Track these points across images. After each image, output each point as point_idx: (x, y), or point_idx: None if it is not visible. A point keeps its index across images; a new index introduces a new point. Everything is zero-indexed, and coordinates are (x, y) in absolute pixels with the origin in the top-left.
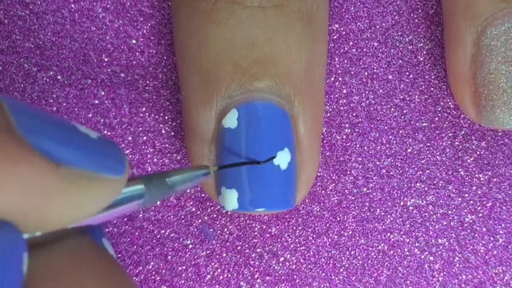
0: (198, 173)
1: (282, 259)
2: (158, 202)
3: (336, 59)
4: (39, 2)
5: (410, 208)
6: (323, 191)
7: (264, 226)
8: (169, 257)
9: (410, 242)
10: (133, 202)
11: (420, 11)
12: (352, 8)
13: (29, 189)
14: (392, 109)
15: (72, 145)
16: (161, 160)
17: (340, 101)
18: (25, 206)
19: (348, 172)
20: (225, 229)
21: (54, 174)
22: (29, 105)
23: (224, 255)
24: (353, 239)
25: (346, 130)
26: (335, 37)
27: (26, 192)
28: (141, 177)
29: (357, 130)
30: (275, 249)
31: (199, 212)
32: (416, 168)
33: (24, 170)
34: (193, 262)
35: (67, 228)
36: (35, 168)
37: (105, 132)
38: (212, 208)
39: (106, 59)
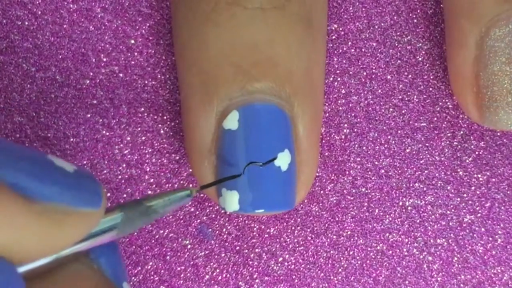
0: (179, 196)
1: (280, 259)
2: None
3: (335, 59)
4: (37, 2)
5: (409, 208)
6: (322, 191)
7: (263, 226)
8: (168, 257)
9: (409, 242)
10: (112, 231)
11: (418, 11)
12: (351, 8)
13: (1, 226)
14: (391, 109)
15: (47, 181)
16: (159, 160)
17: (339, 101)
18: None
19: (347, 172)
20: (224, 229)
21: (27, 211)
22: (2, 140)
23: (223, 255)
24: (352, 239)
25: (345, 130)
26: (334, 37)
27: None
28: (119, 205)
29: (355, 130)
30: (273, 249)
31: (197, 212)
32: (414, 168)
33: None
34: (192, 262)
35: (67, 254)
36: (4, 205)
37: (104, 132)
38: (211, 208)
39: (104, 59)
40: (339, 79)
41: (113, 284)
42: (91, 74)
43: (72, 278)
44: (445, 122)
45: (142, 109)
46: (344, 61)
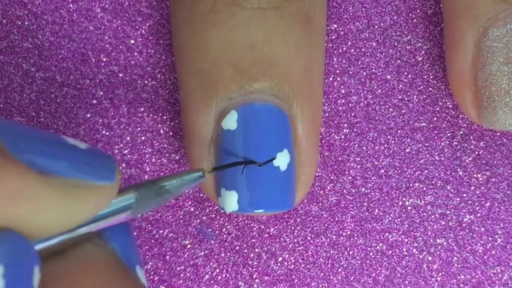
0: (192, 177)
1: (280, 259)
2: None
3: (335, 59)
4: (37, 2)
5: (409, 208)
6: (321, 191)
7: (263, 226)
8: (168, 257)
9: (409, 242)
10: (127, 209)
11: (418, 11)
12: (350, 8)
13: (16, 199)
14: (391, 109)
15: (60, 157)
16: (159, 160)
17: (339, 101)
18: (12, 215)
19: (347, 172)
20: (224, 229)
21: (42, 184)
22: (15, 123)
23: (223, 255)
24: (352, 239)
25: (345, 130)
26: (333, 37)
27: (12, 201)
28: (132, 186)
29: (355, 130)
30: (273, 249)
31: (197, 212)
32: (414, 168)
33: (8, 180)
34: (192, 262)
35: (82, 234)
36: (20, 178)
37: (104, 132)
38: (211, 208)
39: (104, 59)
40: (338, 79)
41: (126, 267)
42: (91, 74)
43: (85, 259)
44: (445, 122)
45: (142, 109)
46: (344, 61)
